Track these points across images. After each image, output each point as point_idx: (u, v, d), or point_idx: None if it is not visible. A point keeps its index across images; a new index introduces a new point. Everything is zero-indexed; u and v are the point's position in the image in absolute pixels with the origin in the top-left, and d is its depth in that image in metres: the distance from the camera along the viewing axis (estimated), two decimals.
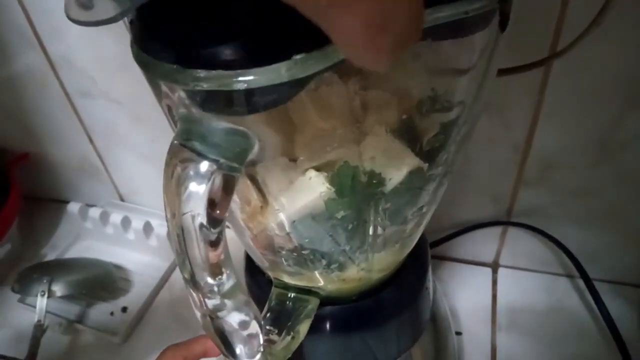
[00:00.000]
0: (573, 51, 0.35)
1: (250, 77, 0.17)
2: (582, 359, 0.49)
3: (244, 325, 0.23)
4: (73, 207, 0.65)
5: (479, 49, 0.23)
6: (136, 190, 0.68)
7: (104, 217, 0.64)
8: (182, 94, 0.18)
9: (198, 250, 0.20)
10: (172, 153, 0.19)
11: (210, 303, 0.21)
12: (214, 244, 0.20)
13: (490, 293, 0.56)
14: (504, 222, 0.54)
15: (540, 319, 0.53)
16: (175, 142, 0.19)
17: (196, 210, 0.19)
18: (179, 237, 0.20)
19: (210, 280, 0.21)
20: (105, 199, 0.69)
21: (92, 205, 0.66)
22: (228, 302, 0.22)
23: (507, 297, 0.55)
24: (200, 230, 0.19)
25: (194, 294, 0.21)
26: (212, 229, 0.19)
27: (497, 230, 0.55)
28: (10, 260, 0.64)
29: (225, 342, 0.23)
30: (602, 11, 0.30)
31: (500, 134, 0.46)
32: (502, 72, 0.38)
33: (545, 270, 0.56)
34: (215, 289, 0.21)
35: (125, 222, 0.63)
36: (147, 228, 0.62)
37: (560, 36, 0.38)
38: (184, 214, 0.19)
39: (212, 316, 0.22)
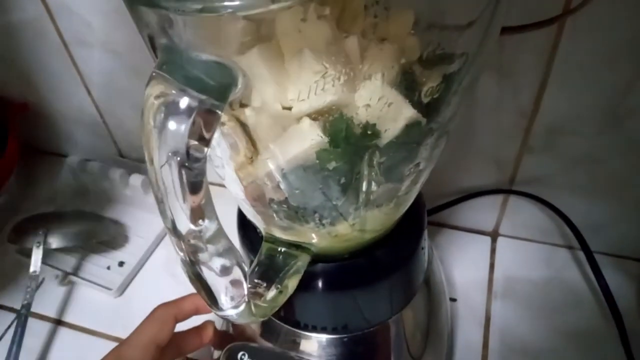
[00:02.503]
0: (587, 9, 0.33)
1: (236, 2, 0.16)
2: (577, 330, 0.49)
3: (225, 270, 0.22)
4: (72, 160, 0.65)
5: None
6: (135, 146, 0.67)
7: (103, 172, 0.64)
8: (164, 21, 0.17)
9: (177, 193, 0.19)
10: (150, 86, 0.18)
11: (191, 249, 0.21)
12: (194, 187, 0.19)
13: (488, 261, 0.55)
14: (506, 190, 0.53)
15: (537, 289, 0.52)
16: (154, 74, 0.18)
17: (176, 149, 0.18)
18: (159, 182, 0.19)
19: (191, 225, 0.20)
20: (105, 154, 0.69)
21: (91, 160, 0.66)
22: (210, 247, 0.21)
23: (505, 266, 0.55)
24: (180, 174, 0.18)
25: (175, 240, 0.21)
26: (192, 172, 0.18)
27: (498, 199, 0.54)
28: (8, 211, 0.64)
29: (207, 290, 0.23)
30: None
31: (506, 98, 0.45)
32: (512, 30, 0.36)
33: (545, 241, 0.55)
34: (197, 234, 0.20)
35: (124, 178, 0.63)
36: (146, 184, 0.62)
37: None
38: (163, 154, 0.18)
39: (194, 260, 0.21)
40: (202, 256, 0.21)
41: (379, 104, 0.22)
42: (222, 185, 0.29)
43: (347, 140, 0.23)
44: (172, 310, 0.40)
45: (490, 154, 0.50)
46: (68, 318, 0.55)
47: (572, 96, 0.43)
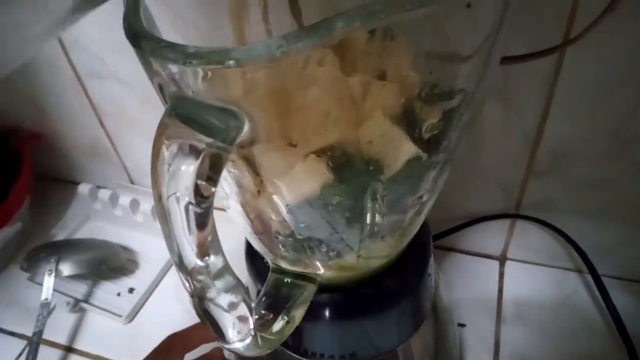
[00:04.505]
0: (587, 38, 0.34)
1: (242, 54, 0.16)
2: (587, 355, 0.48)
3: (232, 306, 0.22)
4: (83, 188, 0.66)
5: (481, 33, 0.22)
6: (146, 173, 0.68)
7: (114, 199, 0.65)
8: (173, 71, 0.18)
9: (184, 230, 0.20)
10: (160, 130, 0.19)
11: (199, 285, 0.21)
12: (201, 225, 0.19)
13: (496, 286, 0.55)
14: (513, 214, 0.53)
15: (546, 313, 0.52)
16: (164, 119, 0.18)
17: (183, 190, 0.19)
18: (167, 218, 0.20)
19: (198, 262, 0.21)
20: (115, 181, 0.70)
21: (102, 187, 0.67)
22: (217, 283, 0.21)
23: (514, 290, 0.54)
24: (187, 211, 0.19)
25: (183, 276, 0.21)
26: (199, 210, 0.19)
27: (505, 223, 0.54)
28: (21, 239, 0.65)
29: (214, 324, 0.23)
30: None
31: (511, 124, 0.45)
32: (512, 59, 0.37)
33: (554, 265, 0.55)
34: (204, 270, 0.21)
35: (134, 205, 0.64)
36: (155, 211, 0.63)
37: (574, 23, 0.37)
38: (171, 194, 0.19)
39: (201, 297, 0.22)
40: (210, 293, 0.22)
41: (381, 141, 0.22)
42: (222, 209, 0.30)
43: (351, 176, 0.24)
44: (181, 340, 0.40)
45: (496, 178, 0.51)
46: (79, 345, 0.55)
47: (575, 121, 0.43)
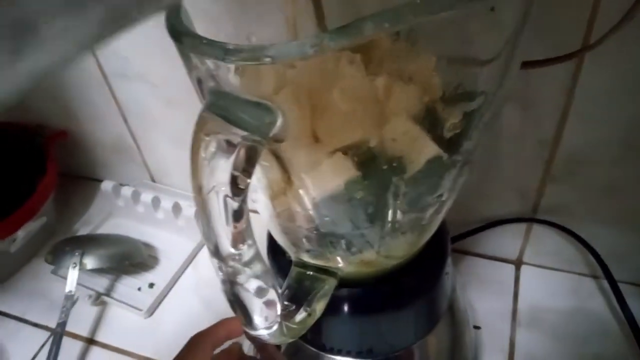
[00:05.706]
0: (606, 45, 0.34)
1: (277, 52, 0.18)
2: None
3: (261, 292, 0.24)
4: (107, 185, 0.67)
5: (503, 37, 0.23)
6: (167, 171, 0.70)
7: (136, 196, 0.66)
8: (212, 67, 0.19)
9: (221, 220, 0.21)
10: (199, 125, 0.20)
11: (230, 270, 0.22)
12: (237, 214, 0.21)
13: (512, 290, 0.56)
14: (529, 218, 0.53)
15: (561, 318, 0.52)
16: (203, 113, 0.20)
17: (221, 181, 0.20)
18: (205, 209, 0.21)
19: (232, 249, 0.22)
20: (138, 179, 0.72)
21: (124, 185, 0.68)
22: (247, 270, 0.23)
23: (529, 294, 0.55)
24: (224, 202, 0.20)
25: (217, 262, 0.22)
26: (235, 201, 0.20)
27: (521, 227, 0.55)
28: (45, 233, 0.67)
29: (243, 310, 0.24)
30: (635, 5, 0.30)
31: (528, 129, 0.46)
32: (531, 64, 0.38)
33: (570, 270, 0.55)
34: (237, 257, 0.22)
35: (156, 202, 0.65)
36: (176, 208, 0.64)
37: (593, 29, 0.37)
38: (209, 185, 0.20)
39: (232, 281, 0.23)
40: (240, 278, 0.23)
41: (404, 139, 0.23)
42: (254, 211, 0.31)
43: (375, 173, 0.25)
44: (208, 338, 0.41)
45: (513, 182, 0.51)
46: (100, 337, 0.56)
47: (593, 127, 0.44)
